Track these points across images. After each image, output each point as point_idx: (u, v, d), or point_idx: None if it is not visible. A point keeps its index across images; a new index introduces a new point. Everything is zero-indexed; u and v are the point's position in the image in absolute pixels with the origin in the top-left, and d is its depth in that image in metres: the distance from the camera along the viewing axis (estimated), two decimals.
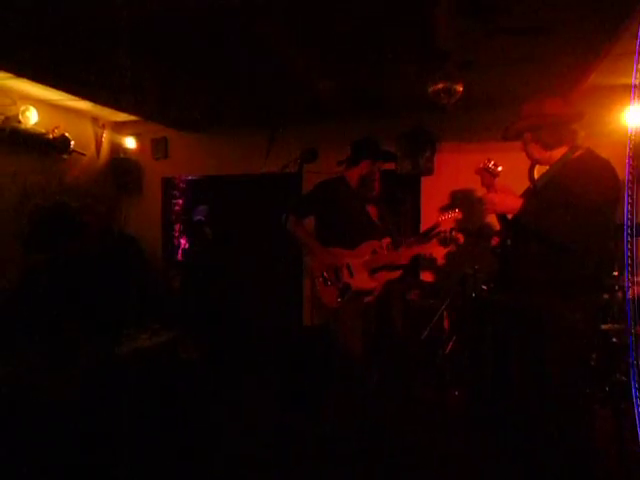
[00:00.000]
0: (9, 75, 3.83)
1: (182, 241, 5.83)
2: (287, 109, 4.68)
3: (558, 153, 2.37)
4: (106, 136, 5.41)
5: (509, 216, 2.39)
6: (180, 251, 5.78)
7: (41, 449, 2.49)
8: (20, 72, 3.77)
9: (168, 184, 5.74)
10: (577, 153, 2.34)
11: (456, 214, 3.21)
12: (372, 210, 3.75)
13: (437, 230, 3.35)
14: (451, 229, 3.45)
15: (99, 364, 2.85)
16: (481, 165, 2.45)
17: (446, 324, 4.36)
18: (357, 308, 3.21)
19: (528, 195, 2.46)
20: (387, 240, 3.40)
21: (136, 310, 3.50)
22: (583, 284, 2.24)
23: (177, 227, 5.85)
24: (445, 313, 4.24)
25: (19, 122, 4.25)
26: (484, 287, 3.77)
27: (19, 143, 4.30)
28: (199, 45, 3.27)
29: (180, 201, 5.86)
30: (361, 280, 3.20)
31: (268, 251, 4.89)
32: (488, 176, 2.43)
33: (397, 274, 3.58)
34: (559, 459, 2.33)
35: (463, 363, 3.92)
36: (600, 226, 2.21)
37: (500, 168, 2.41)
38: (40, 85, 4.07)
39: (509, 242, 2.48)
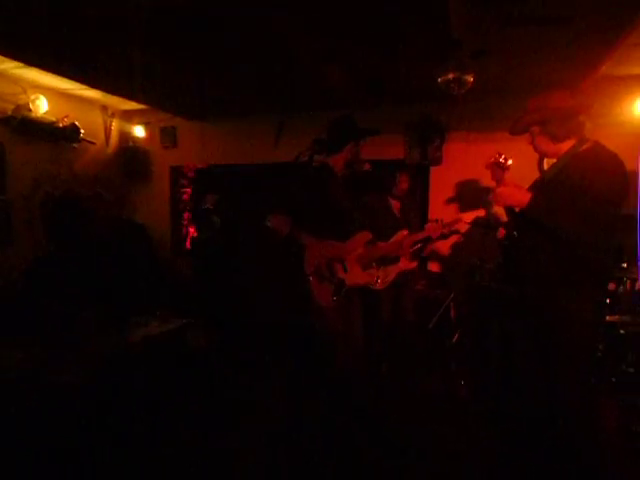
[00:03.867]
0: (19, 64, 3.85)
1: (190, 229, 5.86)
2: (297, 97, 4.66)
3: (566, 146, 2.35)
4: (115, 125, 5.44)
5: (516, 208, 2.38)
6: (189, 239, 5.81)
7: (49, 435, 2.56)
8: (30, 61, 3.79)
9: (177, 173, 5.76)
10: (585, 146, 2.32)
11: (479, 211, 3.20)
12: (395, 203, 3.95)
13: (455, 226, 3.37)
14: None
15: (110, 351, 2.89)
16: (492, 160, 2.45)
17: (453, 314, 4.37)
18: (347, 307, 3.08)
19: (536, 187, 2.45)
20: (405, 232, 3.43)
21: (146, 297, 3.54)
22: (589, 276, 2.24)
23: (185, 215, 5.88)
24: (452, 304, 4.25)
25: (29, 111, 4.28)
26: (491, 278, 3.77)
27: (29, 132, 4.34)
28: (208, 33, 3.26)
29: (189, 190, 5.88)
30: (355, 276, 3.07)
31: (276, 239, 4.92)
32: (498, 170, 2.42)
33: (412, 265, 3.62)
34: (564, 452, 2.35)
35: (470, 353, 3.94)
36: (607, 219, 2.20)
37: (510, 162, 2.40)
38: (50, 74, 4.09)
39: (516, 234, 2.48)
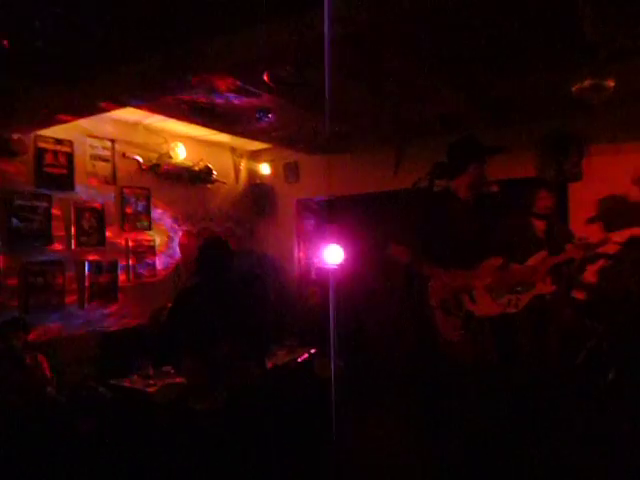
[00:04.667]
0: (162, 117, 4.30)
1: (315, 260, 5.98)
2: (417, 123, 4.58)
3: None
4: (243, 164, 5.82)
5: None
6: (314, 270, 5.93)
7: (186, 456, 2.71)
8: (171, 115, 4.20)
9: (301, 205, 5.96)
10: None
11: (634, 230, 2.81)
12: (539, 224, 3.64)
13: (603, 248, 3.00)
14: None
15: (252, 380, 2.98)
16: (638, 174, 2.12)
17: (606, 349, 3.84)
18: (477, 340, 2.85)
19: None
20: (543, 254, 3.12)
21: (275, 327, 3.65)
22: None
23: (310, 246, 6.03)
24: (604, 336, 3.75)
25: (170, 157, 4.74)
26: None
27: (171, 176, 4.80)
28: (328, 73, 3.33)
29: (312, 221, 6.04)
30: (484, 306, 2.84)
31: (398, 270, 4.81)
32: None
33: (549, 289, 3.30)
34: None
35: (630, 394, 3.42)
36: None
37: None
38: (186, 124, 4.50)
39: None
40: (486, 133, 4.34)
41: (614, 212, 4.14)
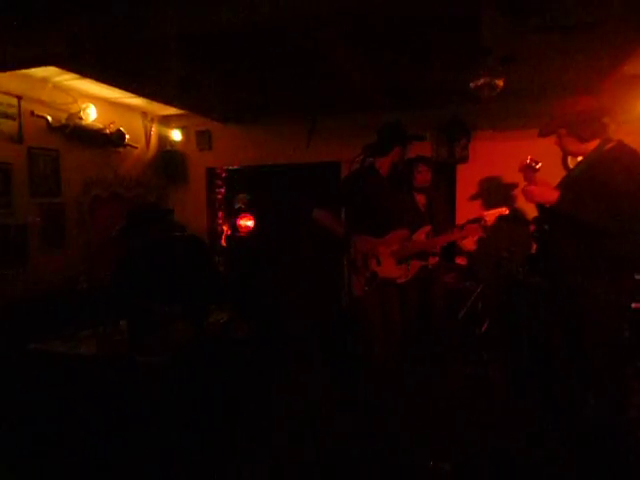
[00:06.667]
0: (74, 76, 4.15)
1: (225, 228, 6.14)
2: (329, 101, 4.89)
3: (591, 145, 2.58)
4: (154, 129, 5.73)
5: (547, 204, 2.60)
6: (224, 237, 6.09)
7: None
8: (85, 73, 4.07)
9: (212, 174, 6.05)
10: (609, 145, 2.54)
11: (502, 210, 3.37)
12: (421, 198, 4.09)
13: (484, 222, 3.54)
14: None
15: (189, 339, 3.18)
16: (524, 163, 2.67)
17: (481, 305, 4.57)
18: (381, 296, 3.32)
19: (564, 185, 2.67)
20: (428, 228, 3.60)
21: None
22: (617, 265, 2.46)
23: (220, 214, 6.17)
24: (480, 294, 4.46)
25: (80, 119, 4.57)
26: (520, 269, 3.98)
27: (81, 138, 4.64)
28: (245, 45, 3.47)
29: (222, 190, 6.17)
30: (388, 269, 3.31)
31: (309, 235, 5.18)
32: (530, 172, 2.66)
33: (434, 261, 3.84)
34: (596, 429, 2.58)
35: (499, 341, 4.16)
36: (633, 211, 2.41)
37: (540, 164, 2.63)
38: (98, 84, 4.38)
39: (547, 227, 2.70)
40: (390, 115, 4.85)
41: (493, 191, 4.87)
